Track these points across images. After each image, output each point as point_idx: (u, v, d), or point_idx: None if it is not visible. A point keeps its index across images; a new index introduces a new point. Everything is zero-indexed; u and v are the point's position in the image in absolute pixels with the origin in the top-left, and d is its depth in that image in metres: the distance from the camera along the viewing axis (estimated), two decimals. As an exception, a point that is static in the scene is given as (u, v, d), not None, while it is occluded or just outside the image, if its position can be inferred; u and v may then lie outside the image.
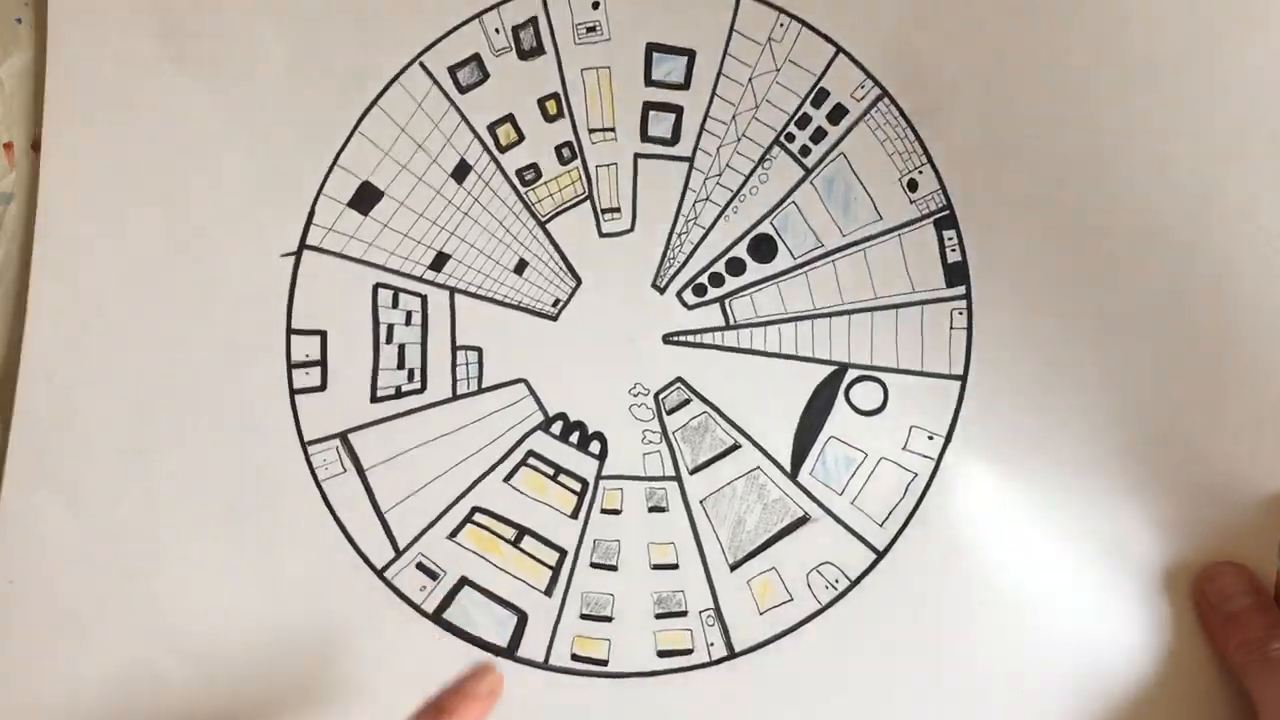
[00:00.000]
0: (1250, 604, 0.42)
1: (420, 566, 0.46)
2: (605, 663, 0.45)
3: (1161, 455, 0.44)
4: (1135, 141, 0.44)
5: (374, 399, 0.46)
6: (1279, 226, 0.44)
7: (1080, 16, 0.44)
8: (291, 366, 0.46)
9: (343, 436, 0.46)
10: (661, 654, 0.45)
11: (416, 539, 0.46)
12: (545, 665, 0.46)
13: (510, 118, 0.46)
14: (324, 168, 0.46)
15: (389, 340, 0.47)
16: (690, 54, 0.46)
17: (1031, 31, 0.44)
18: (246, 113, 0.46)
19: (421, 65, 0.46)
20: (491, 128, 0.46)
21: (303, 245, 0.46)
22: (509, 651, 0.46)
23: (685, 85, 0.46)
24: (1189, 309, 0.44)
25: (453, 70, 0.46)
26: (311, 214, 0.46)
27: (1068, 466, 0.44)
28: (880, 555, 0.45)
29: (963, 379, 0.45)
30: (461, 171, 0.46)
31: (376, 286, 0.46)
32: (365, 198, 0.46)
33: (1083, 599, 0.44)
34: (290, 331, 0.46)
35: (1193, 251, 0.44)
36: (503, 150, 0.46)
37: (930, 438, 0.45)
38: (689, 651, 0.45)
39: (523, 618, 0.46)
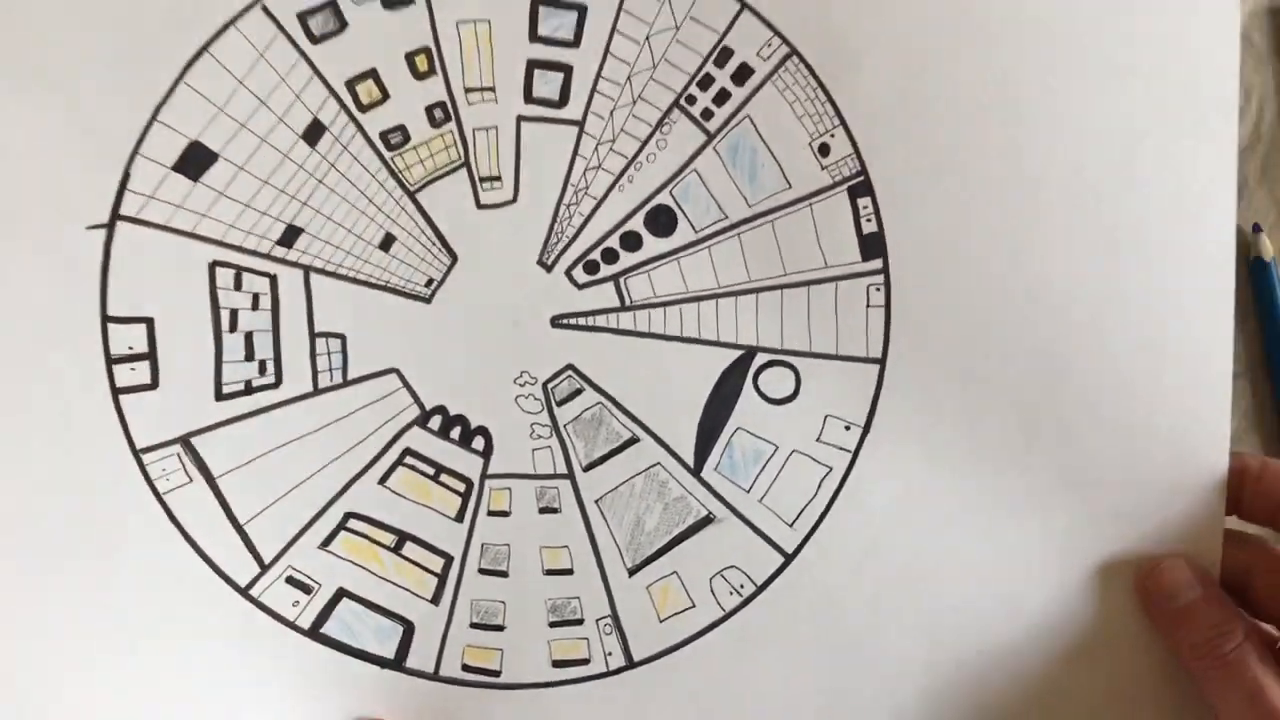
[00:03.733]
0: (1198, 597, 0.41)
1: (290, 580, 0.41)
2: (498, 673, 0.42)
3: (1095, 441, 0.42)
4: (1054, 102, 0.41)
5: (219, 396, 0.41)
6: (1201, 186, 0.41)
7: None
8: (111, 361, 0.40)
9: (184, 441, 0.41)
10: (557, 664, 0.42)
11: (283, 551, 0.41)
12: (435, 676, 0.42)
13: (373, 73, 0.40)
14: (141, 124, 0.39)
15: (233, 328, 0.40)
16: (581, 8, 0.40)
17: None
18: (39, 58, 0.38)
19: (264, 8, 0.39)
20: (350, 84, 0.40)
21: (115, 215, 0.39)
22: (395, 663, 0.42)
23: (575, 43, 0.40)
24: (1119, 279, 0.41)
25: (303, 17, 0.39)
26: (125, 178, 0.39)
27: (994, 457, 0.42)
28: (789, 559, 0.42)
29: (881, 362, 0.42)
30: (314, 133, 0.40)
31: (213, 265, 0.40)
32: (195, 160, 0.40)
33: (1008, 602, 0.42)
34: (106, 319, 0.40)
35: (1116, 215, 0.41)
36: (364, 110, 0.40)
37: (847, 428, 0.42)
38: (586, 661, 0.42)
39: (409, 628, 0.42)
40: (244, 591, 0.41)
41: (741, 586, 0.42)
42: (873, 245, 0.41)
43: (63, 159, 0.39)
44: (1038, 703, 0.42)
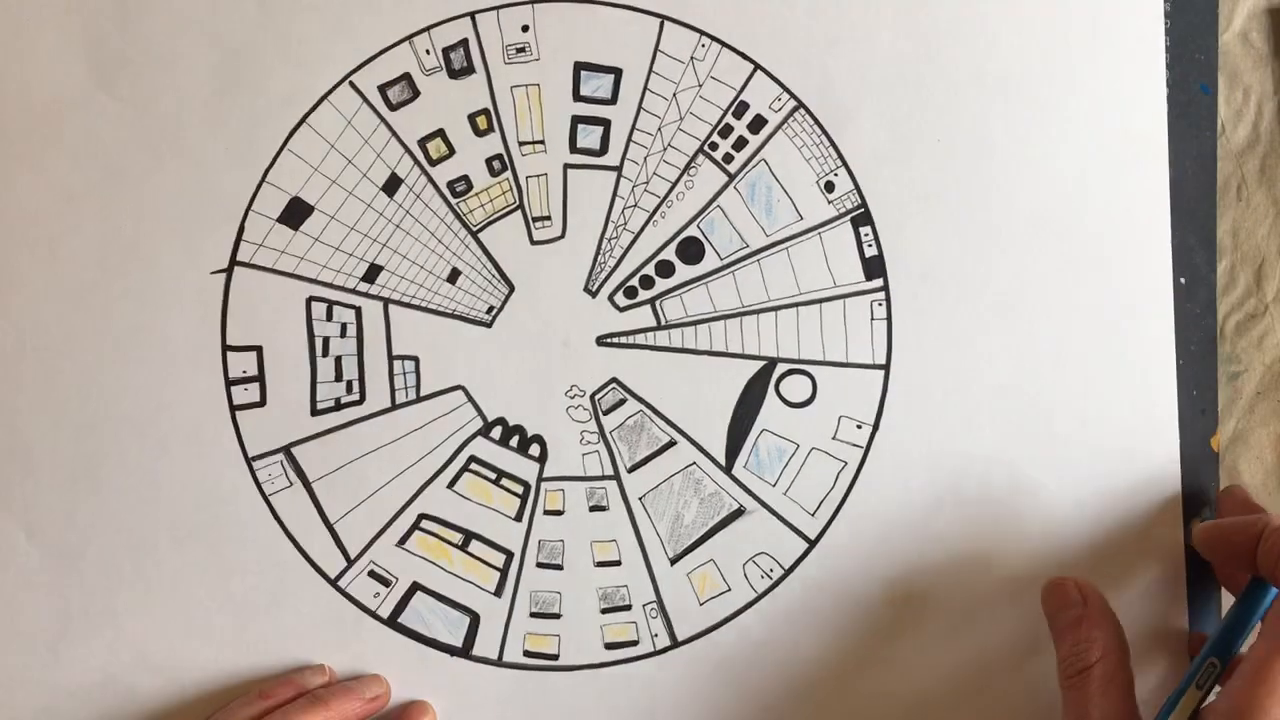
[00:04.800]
0: (1074, 617, 0.42)
1: (372, 574, 0.47)
2: (556, 657, 0.47)
3: (1079, 436, 0.47)
4: (1015, 144, 0.47)
5: (314, 412, 0.47)
6: (1139, 211, 0.47)
7: (955, 35, 0.47)
8: (230, 383, 0.47)
9: (286, 450, 0.47)
10: (609, 646, 0.47)
11: (367, 548, 0.47)
12: (499, 662, 0.47)
13: (441, 132, 0.47)
14: (253, 184, 0.47)
15: (325, 353, 0.47)
16: (617, 72, 0.47)
17: (921, 50, 0.47)
18: (174, 134, 0.47)
19: (351, 84, 0.47)
20: (422, 142, 0.47)
21: (234, 261, 0.47)
22: (464, 651, 0.47)
23: (612, 100, 0.47)
24: (1075, 290, 0.47)
25: (383, 89, 0.47)
26: (241, 230, 0.47)
27: (987, 445, 0.47)
28: (812, 544, 0.47)
29: (885, 368, 0.47)
30: (392, 185, 0.47)
31: (310, 300, 0.47)
32: (295, 212, 0.47)
33: (1002, 578, 0.47)
34: (226, 348, 0.47)
35: (1070, 237, 0.47)
36: (433, 164, 0.47)
37: (859, 426, 0.47)
38: (635, 643, 0.47)
39: (475, 619, 0.47)
40: (333, 583, 0.47)
41: (771, 570, 0.47)
42: (874, 266, 0.47)
43: (191, 215, 0.47)
44: (1035, 670, 0.47)
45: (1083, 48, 0.47)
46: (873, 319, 0.47)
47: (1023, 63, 0.47)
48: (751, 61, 0.47)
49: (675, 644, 0.47)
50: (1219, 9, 0.48)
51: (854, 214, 0.47)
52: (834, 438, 0.47)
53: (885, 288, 0.47)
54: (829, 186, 0.47)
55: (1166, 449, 0.47)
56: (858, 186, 0.47)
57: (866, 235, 0.47)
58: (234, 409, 0.47)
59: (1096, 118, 0.47)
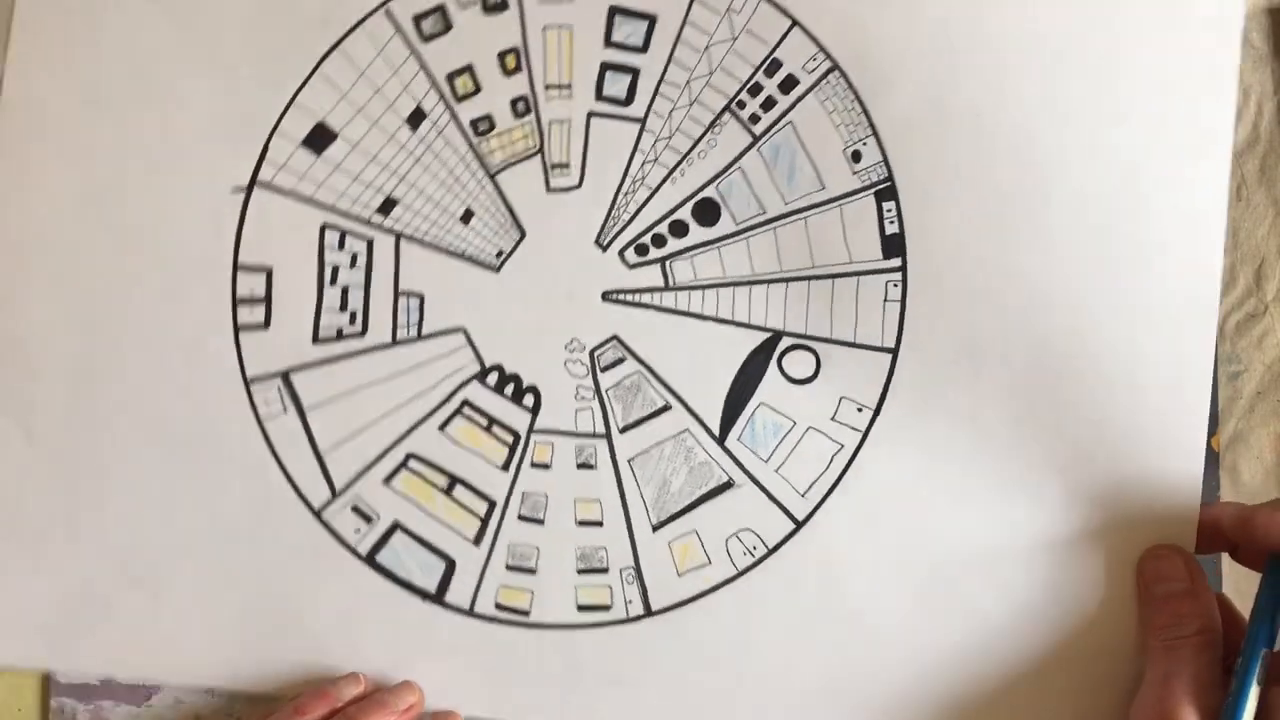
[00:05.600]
0: (1181, 590, 0.42)
1: (355, 509, 0.47)
2: (527, 613, 0.46)
3: (1086, 432, 0.44)
4: (1063, 127, 0.44)
5: (315, 340, 0.47)
6: (1194, 209, 0.44)
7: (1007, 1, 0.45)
8: (237, 302, 0.47)
9: (284, 376, 0.47)
10: (581, 608, 0.46)
11: (353, 482, 0.47)
12: (470, 612, 0.46)
13: (469, 68, 0.47)
14: (281, 105, 0.47)
15: (333, 281, 0.47)
16: (651, 19, 0.46)
17: (969, 14, 0.45)
18: (209, 46, 0.47)
19: (387, 12, 0.47)
20: (450, 77, 0.47)
21: (254, 181, 0.47)
22: (436, 597, 0.46)
23: (643, 48, 0.46)
24: (1114, 288, 0.44)
25: (417, 19, 0.47)
26: (265, 150, 0.47)
27: (994, 444, 0.44)
28: (799, 525, 0.45)
29: (894, 351, 0.45)
30: (416, 118, 0.47)
31: (324, 227, 0.47)
32: (319, 138, 0.47)
33: (997, 576, 0.44)
34: (237, 266, 0.47)
35: (1115, 231, 0.44)
36: (459, 100, 0.47)
37: (859, 409, 0.45)
38: (608, 607, 0.45)
39: (451, 565, 0.46)
40: (317, 514, 0.47)
41: (754, 548, 0.45)
42: (894, 245, 0.45)
43: (219, 130, 0.47)
44: (1027, 669, 0.43)
45: (1152, 20, 0.44)
46: (886, 299, 0.45)
47: (1080, 35, 0.44)
48: (790, 17, 0.46)
49: (649, 613, 0.45)
50: None
51: (879, 187, 0.45)
52: (833, 418, 0.45)
53: (903, 268, 0.45)
54: (855, 156, 0.45)
55: (1190, 463, 0.44)
56: (886, 159, 0.45)
57: (889, 211, 0.45)
58: (238, 328, 0.47)
59: (1159, 100, 0.44)
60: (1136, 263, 0.44)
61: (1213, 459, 0.46)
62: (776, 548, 0.45)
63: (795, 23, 0.46)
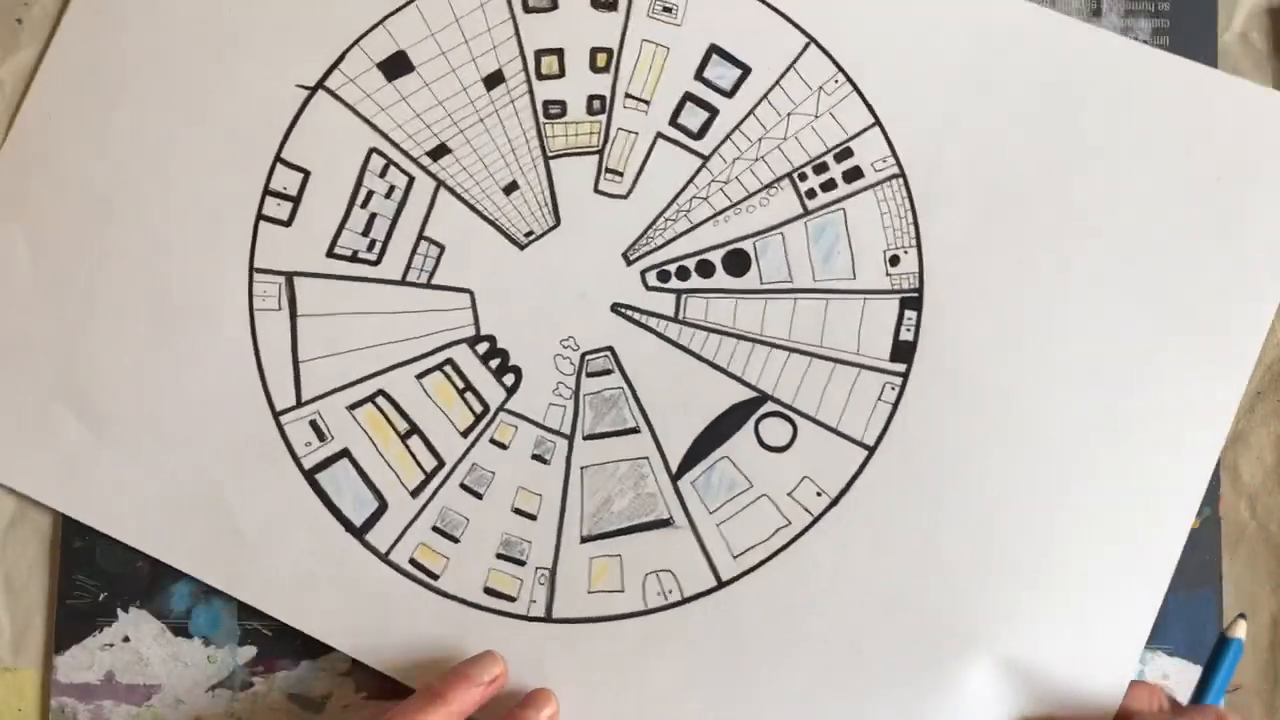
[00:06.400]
0: None
1: (313, 424, 0.47)
2: (437, 577, 0.46)
3: (1023, 606, 0.44)
4: (1104, 286, 0.46)
5: (330, 253, 0.48)
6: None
7: (1083, 159, 0.46)
8: (267, 192, 0.48)
9: (289, 277, 0.47)
10: (488, 590, 0.46)
11: (319, 398, 0.47)
12: (384, 558, 0.46)
13: (559, 52, 0.47)
14: (370, 22, 0.48)
15: (364, 205, 0.48)
16: (746, 69, 0.47)
17: (1048, 163, 0.46)
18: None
19: (501, -29, 0.48)
20: (539, 54, 0.48)
21: (321, 84, 0.48)
22: (359, 532, 0.46)
23: (729, 94, 0.47)
24: (1107, 448, 0.45)
25: (527, -12, 0.48)
26: (341, 59, 0.48)
27: (938, 572, 0.45)
28: (720, 584, 0.45)
29: (872, 450, 0.45)
30: (494, 80, 0.48)
31: (372, 151, 0.48)
32: (396, 65, 0.48)
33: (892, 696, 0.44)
34: (279, 158, 0.48)
35: (1122, 392, 0.45)
36: (540, 78, 0.47)
37: (819, 494, 0.45)
38: (512, 599, 0.46)
39: (383, 507, 0.47)
40: (276, 415, 0.47)
41: (670, 591, 0.45)
42: (903, 351, 0.46)
43: (302, 28, 0.48)
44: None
45: (1206, 204, 0.46)
46: (879, 399, 0.45)
47: (1140, 210, 0.46)
48: (875, 115, 0.47)
49: (548, 618, 0.46)
50: (1219, 9, 0.48)
51: (906, 294, 0.46)
52: (790, 494, 0.45)
53: (906, 374, 0.45)
54: (894, 260, 0.46)
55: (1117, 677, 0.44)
56: (922, 271, 0.46)
57: (910, 319, 0.46)
58: (260, 217, 0.47)
59: (1197, 290, 0.46)
60: (1135, 429, 0.45)
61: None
62: (691, 599, 0.45)
63: (878, 122, 0.47)
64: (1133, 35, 0.48)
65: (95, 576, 0.48)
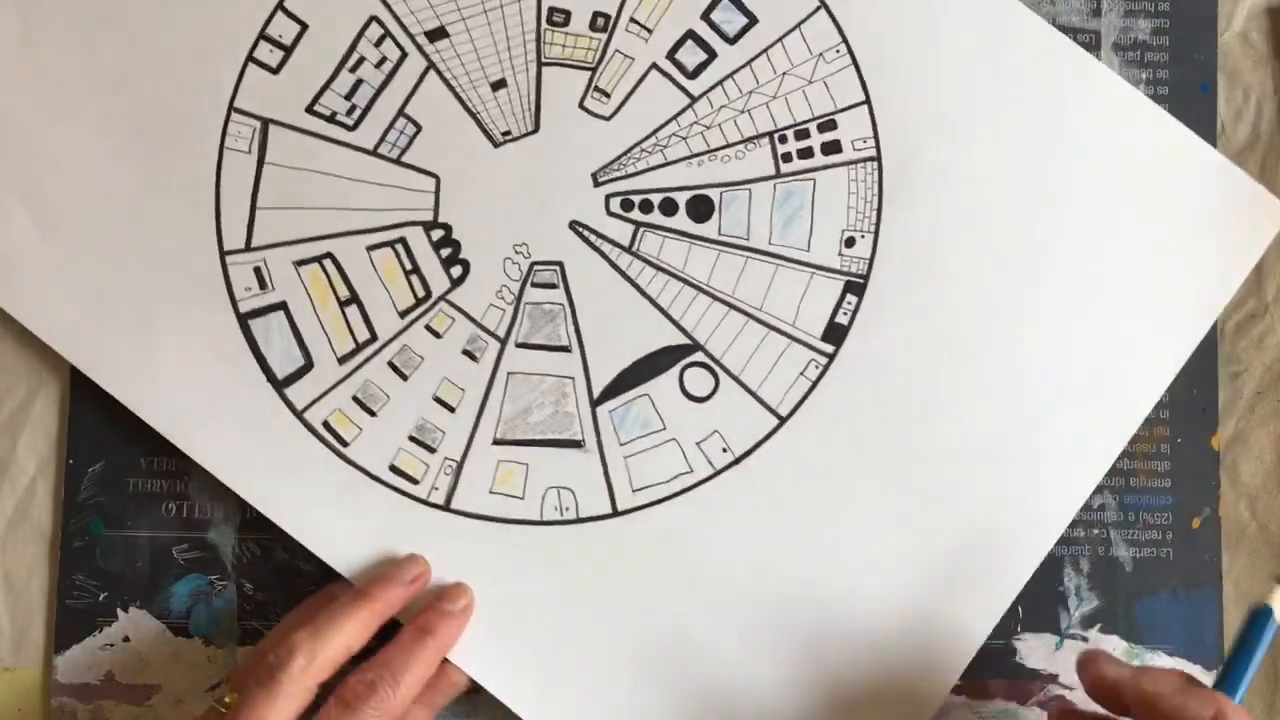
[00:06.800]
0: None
1: (256, 270, 0.48)
2: (347, 445, 0.47)
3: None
4: (1048, 318, 0.47)
5: (309, 109, 0.48)
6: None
7: (1069, 187, 0.47)
8: (263, 36, 0.47)
9: (265, 123, 0.48)
10: (393, 469, 0.47)
11: (268, 247, 0.48)
12: (298, 415, 0.47)
13: (572, -39, 0.47)
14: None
15: (353, 70, 0.48)
16: (752, 19, 0.47)
17: (1011, 173, 0.47)
18: None
19: None
20: (554, -43, 0.47)
21: (331, -56, 0.47)
22: (279, 385, 0.47)
23: (731, 41, 0.47)
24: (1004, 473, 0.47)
25: (560, -113, 0.47)
26: (357, -77, 0.47)
27: (816, 555, 0.46)
28: (615, 513, 0.47)
29: (783, 420, 0.47)
30: (505, -25, 0.47)
31: (372, 19, 0.48)
32: (403, -65, 0.47)
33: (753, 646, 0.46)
34: (280, 6, 0.47)
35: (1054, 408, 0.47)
36: (551, -18, 0.47)
37: (724, 450, 0.47)
38: (415, 481, 0.47)
39: (308, 366, 0.47)
40: (222, 254, 0.47)
41: (566, 509, 0.47)
42: (836, 334, 0.47)
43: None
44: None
45: (1155, 261, 0.47)
46: (802, 373, 0.47)
47: (1093, 255, 0.47)
48: (866, 94, 0.47)
49: (446, 507, 0.47)
50: (1219, 9, 0.48)
51: (852, 279, 0.47)
52: (698, 444, 0.47)
53: (832, 357, 0.47)
54: (849, 242, 0.47)
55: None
56: (873, 259, 0.47)
57: (849, 303, 0.47)
58: (250, 59, 0.47)
59: (1154, 313, 0.47)
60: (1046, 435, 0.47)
61: (1213, 459, 0.48)
62: (585, 519, 0.47)
63: (868, 100, 0.47)
64: (1133, 35, 0.48)
65: (95, 576, 0.48)
